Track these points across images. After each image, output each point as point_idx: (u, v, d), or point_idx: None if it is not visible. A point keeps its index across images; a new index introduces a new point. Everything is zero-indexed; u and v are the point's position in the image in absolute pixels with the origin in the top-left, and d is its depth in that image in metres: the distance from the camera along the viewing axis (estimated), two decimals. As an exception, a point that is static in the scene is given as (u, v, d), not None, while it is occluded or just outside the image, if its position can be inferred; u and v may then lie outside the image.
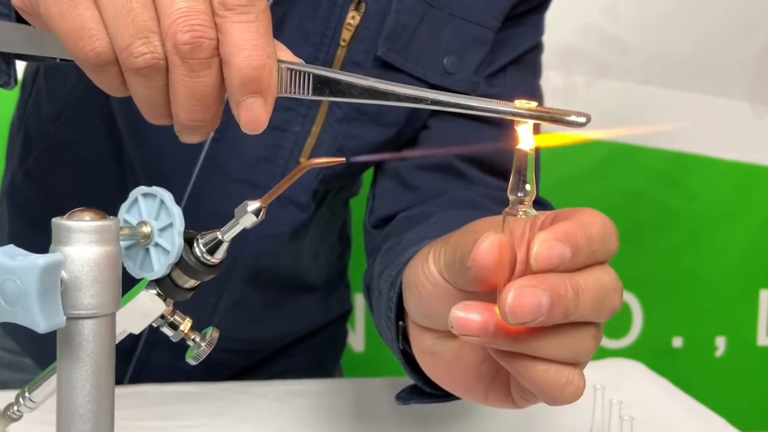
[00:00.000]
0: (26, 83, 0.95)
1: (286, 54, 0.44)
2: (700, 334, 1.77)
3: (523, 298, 0.38)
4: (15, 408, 0.53)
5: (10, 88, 0.57)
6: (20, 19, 0.48)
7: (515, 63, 0.83)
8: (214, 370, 0.88)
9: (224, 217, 0.76)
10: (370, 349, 1.71)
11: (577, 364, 0.42)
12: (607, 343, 1.76)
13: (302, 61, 0.45)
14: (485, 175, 0.79)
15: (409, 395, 0.59)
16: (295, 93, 0.45)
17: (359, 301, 1.64)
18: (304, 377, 0.91)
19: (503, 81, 0.82)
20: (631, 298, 1.76)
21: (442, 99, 0.43)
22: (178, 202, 0.78)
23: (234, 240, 0.47)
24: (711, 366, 1.77)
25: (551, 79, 1.66)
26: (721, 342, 1.78)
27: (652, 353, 1.72)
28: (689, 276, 1.76)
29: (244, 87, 0.42)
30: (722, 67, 1.72)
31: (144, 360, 0.88)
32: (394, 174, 0.81)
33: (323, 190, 0.84)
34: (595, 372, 0.90)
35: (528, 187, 0.41)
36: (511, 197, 0.41)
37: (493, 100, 0.42)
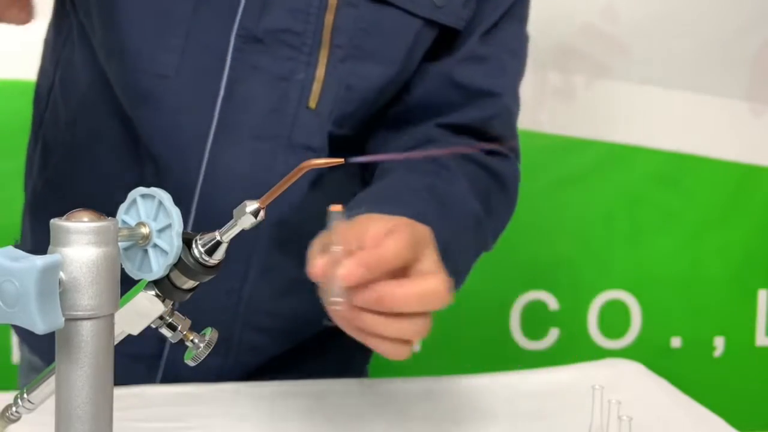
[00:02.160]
0: (40, 97, 0.95)
1: None
2: (699, 334, 1.77)
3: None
4: (13, 409, 0.53)
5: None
6: None
7: (507, 15, 0.88)
8: (245, 360, 0.87)
9: (244, 178, 0.80)
10: (427, 348, 1.71)
11: (407, 342, 0.60)
12: (605, 343, 1.76)
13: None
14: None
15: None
16: None
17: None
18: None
19: (496, 37, 0.87)
20: (629, 299, 1.76)
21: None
22: (197, 167, 0.81)
23: None
24: (709, 366, 1.77)
25: (550, 79, 1.67)
26: (719, 342, 1.78)
27: (650, 353, 1.72)
28: (688, 276, 1.76)
29: None
30: (721, 67, 1.72)
31: (172, 361, 0.86)
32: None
33: (337, 134, 0.84)
34: (593, 372, 0.91)
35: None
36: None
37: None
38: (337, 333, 0.94)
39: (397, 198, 0.74)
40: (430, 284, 0.60)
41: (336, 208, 0.56)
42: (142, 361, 0.85)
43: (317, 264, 0.58)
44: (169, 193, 0.75)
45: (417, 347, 1.70)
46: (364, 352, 1.02)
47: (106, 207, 0.46)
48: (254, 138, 0.80)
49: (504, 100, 0.89)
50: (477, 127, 0.87)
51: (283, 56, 0.79)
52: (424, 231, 0.64)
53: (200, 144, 0.80)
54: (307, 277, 0.91)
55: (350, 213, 0.70)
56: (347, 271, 0.56)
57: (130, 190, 0.48)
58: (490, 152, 0.89)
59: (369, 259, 0.57)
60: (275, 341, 0.91)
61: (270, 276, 0.86)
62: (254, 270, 0.85)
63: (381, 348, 0.60)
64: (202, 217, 0.81)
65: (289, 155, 0.81)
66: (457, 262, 0.74)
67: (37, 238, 0.95)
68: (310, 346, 0.93)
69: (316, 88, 0.80)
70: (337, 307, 0.57)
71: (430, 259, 0.62)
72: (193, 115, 0.79)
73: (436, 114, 0.87)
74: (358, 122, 0.86)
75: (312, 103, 0.80)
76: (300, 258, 0.89)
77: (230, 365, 0.86)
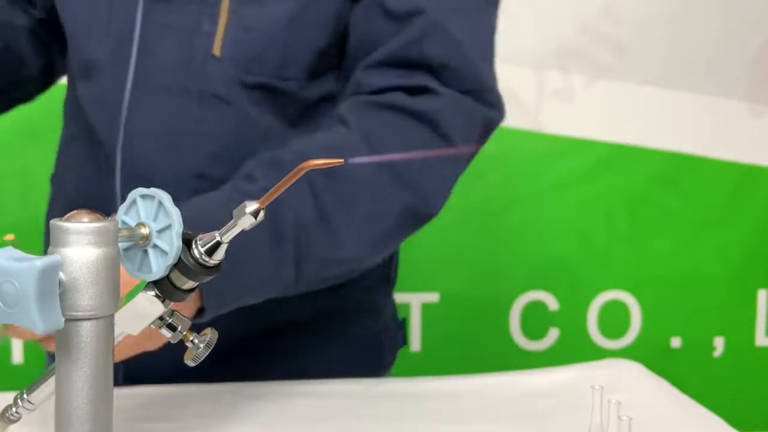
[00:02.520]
0: None
1: None
2: (699, 335, 1.77)
3: None
4: (14, 409, 0.53)
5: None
6: None
7: None
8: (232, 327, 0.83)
9: (160, 133, 0.81)
10: (427, 348, 1.71)
11: None
12: (605, 343, 1.76)
13: None
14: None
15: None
16: None
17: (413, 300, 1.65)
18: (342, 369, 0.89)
19: None
20: (629, 299, 1.76)
21: None
22: (117, 129, 0.83)
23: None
24: (709, 366, 1.77)
25: (550, 79, 1.67)
26: (719, 342, 1.78)
27: (650, 353, 1.72)
28: (687, 276, 1.76)
29: None
30: (720, 68, 1.72)
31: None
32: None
33: (257, 83, 0.82)
34: (593, 372, 0.90)
35: None
36: None
37: None
38: (309, 321, 0.92)
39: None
40: None
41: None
42: None
43: None
44: (101, 160, 0.79)
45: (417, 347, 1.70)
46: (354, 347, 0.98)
47: (78, 201, 0.46)
48: (166, 93, 0.82)
49: (431, 17, 0.79)
50: (405, 57, 0.80)
51: (190, 11, 0.82)
52: None
53: (118, 107, 0.83)
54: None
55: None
56: None
57: (93, 180, 0.49)
58: (416, 89, 0.80)
59: None
60: (240, 317, 0.84)
61: None
62: None
63: None
64: (129, 177, 0.83)
65: (200, 106, 0.82)
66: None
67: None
68: (284, 330, 0.90)
69: (219, 35, 0.81)
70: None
71: None
72: (113, 80, 0.83)
73: (364, 53, 0.82)
74: (281, 67, 0.83)
75: (216, 51, 0.81)
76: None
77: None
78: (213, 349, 0.87)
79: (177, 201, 0.45)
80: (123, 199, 0.49)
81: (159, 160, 0.82)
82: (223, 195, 0.74)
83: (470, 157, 0.82)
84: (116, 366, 0.84)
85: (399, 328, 1.01)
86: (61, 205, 0.94)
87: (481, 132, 0.82)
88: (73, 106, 0.92)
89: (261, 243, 0.72)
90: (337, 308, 0.93)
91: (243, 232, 0.46)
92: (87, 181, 0.89)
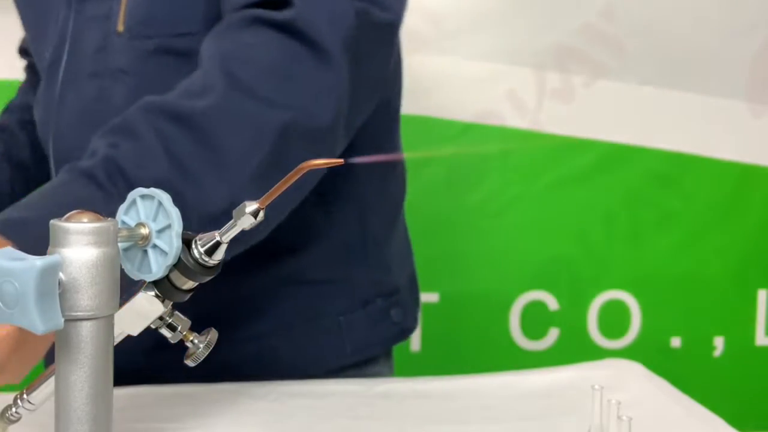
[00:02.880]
0: None
1: None
2: (699, 334, 1.77)
3: None
4: (14, 410, 0.53)
5: None
6: None
7: None
8: (178, 306, 0.79)
9: (82, 114, 0.86)
10: (427, 348, 1.71)
11: None
12: (605, 343, 1.76)
13: None
14: None
15: None
16: None
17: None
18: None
19: None
20: (629, 299, 1.76)
21: None
22: (54, 118, 0.87)
23: None
24: (709, 366, 1.77)
25: (549, 79, 1.67)
26: (719, 342, 1.78)
27: (650, 353, 1.72)
28: (687, 276, 1.76)
29: None
30: (720, 67, 1.72)
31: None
32: None
33: (153, 46, 0.82)
34: (593, 372, 0.90)
35: None
36: None
37: None
38: (280, 289, 0.85)
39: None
40: None
41: None
42: None
43: None
44: (46, 149, 0.80)
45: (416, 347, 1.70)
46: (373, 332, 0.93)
47: None
48: (89, 78, 0.86)
49: None
50: None
51: None
52: None
53: (53, 101, 0.88)
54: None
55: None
56: None
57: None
58: (278, 4, 0.72)
59: None
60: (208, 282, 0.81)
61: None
62: None
63: None
64: (59, 163, 0.87)
65: (111, 83, 0.85)
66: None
67: None
68: (253, 301, 0.85)
69: (121, 11, 0.84)
70: None
71: None
72: (51, 79, 0.89)
73: None
74: (175, 24, 0.80)
75: (120, 27, 0.84)
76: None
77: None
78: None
79: None
80: None
81: (82, 142, 0.75)
82: (62, 177, 0.68)
83: (350, 60, 0.73)
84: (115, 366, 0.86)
85: (393, 306, 0.94)
86: None
87: (362, 32, 0.73)
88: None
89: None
90: (294, 282, 0.88)
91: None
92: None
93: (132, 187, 0.51)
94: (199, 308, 0.66)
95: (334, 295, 0.90)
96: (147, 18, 0.83)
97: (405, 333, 0.96)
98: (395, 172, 0.97)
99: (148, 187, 0.58)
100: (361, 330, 0.92)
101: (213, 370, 0.70)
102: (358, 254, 0.91)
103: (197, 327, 0.54)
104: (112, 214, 0.46)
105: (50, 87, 0.90)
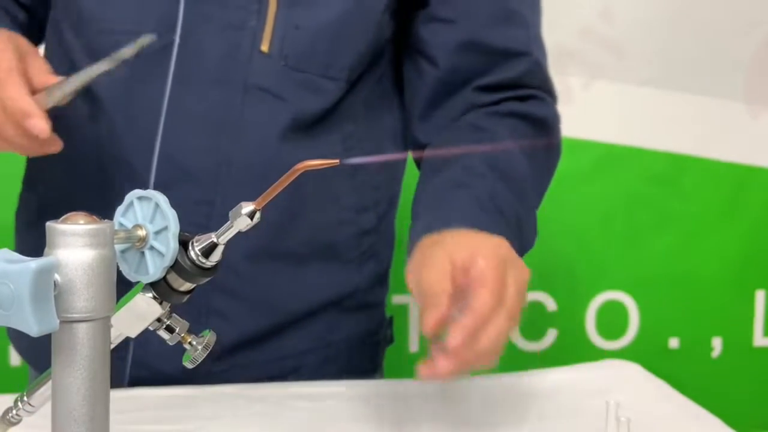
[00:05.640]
0: None
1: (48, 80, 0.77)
2: (697, 335, 1.77)
3: (439, 370, 0.66)
4: (14, 412, 0.53)
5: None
6: None
7: None
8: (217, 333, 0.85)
9: (204, 120, 0.84)
10: (426, 349, 1.70)
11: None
12: (603, 344, 1.76)
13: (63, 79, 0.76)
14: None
15: None
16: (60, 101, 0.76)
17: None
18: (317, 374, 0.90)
19: None
20: (627, 299, 1.76)
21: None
22: (157, 116, 0.84)
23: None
24: (707, 367, 1.77)
25: (547, 80, 1.67)
26: (717, 343, 1.78)
27: (648, 354, 1.72)
28: (685, 277, 1.76)
29: (22, 120, 0.74)
30: (718, 69, 1.72)
31: (140, 355, 0.87)
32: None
33: (304, 79, 0.85)
34: (591, 373, 0.90)
35: None
36: None
37: None
38: (317, 315, 0.93)
39: (460, 201, 0.79)
40: (502, 323, 0.69)
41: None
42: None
43: (429, 323, 0.67)
44: (126, 146, 0.83)
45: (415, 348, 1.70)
46: (354, 345, 0.98)
47: (75, 204, 0.46)
48: (211, 82, 0.84)
49: (533, 57, 0.91)
50: (512, 84, 0.90)
51: (234, 5, 0.83)
52: (502, 248, 0.72)
53: (158, 97, 0.84)
54: (282, 249, 0.89)
55: (414, 223, 0.78)
56: (454, 341, 0.66)
57: (93, 198, 0.49)
58: (525, 96, 0.91)
59: (471, 327, 0.66)
60: (248, 313, 0.89)
61: (239, 238, 0.83)
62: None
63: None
64: (166, 167, 0.84)
65: (246, 97, 0.84)
66: (529, 233, 0.83)
67: (21, 238, 0.96)
68: (287, 327, 0.91)
69: (267, 32, 0.83)
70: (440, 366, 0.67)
71: (512, 287, 0.71)
72: (151, 68, 0.84)
73: (468, 80, 0.89)
74: (327, 66, 0.86)
75: (264, 47, 0.83)
76: (271, 225, 0.84)
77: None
78: (218, 344, 0.87)
79: (220, 188, 0.45)
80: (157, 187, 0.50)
81: (199, 150, 0.84)
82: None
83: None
84: (121, 368, 0.86)
85: (388, 326, 1.03)
86: (44, 205, 0.93)
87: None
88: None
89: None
90: (335, 305, 0.94)
91: None
92: (83, 178, 0.88)
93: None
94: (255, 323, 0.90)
95: (364, 317, 1.00)
96: (305, 52, 0.85)
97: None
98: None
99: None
100: (382, 349, 1.04)
101: None
102: (385, 278, 1.02)
103: None
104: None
105: (150, 76, 0.84)
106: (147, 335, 0.82)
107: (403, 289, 1.70)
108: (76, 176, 0.88)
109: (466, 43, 0.88)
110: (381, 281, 0.99)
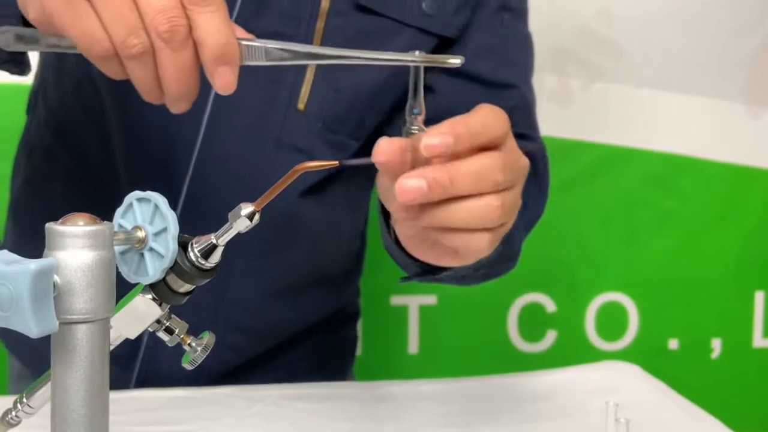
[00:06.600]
0: (30, 105, 0.98)
1: (241, 32, 0.58)
2: (696, 336, 1.77)
3: (406, 184, 0.51)
4: (13, 413, 0.53)
5: (26, 74, 0.72)
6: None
7: (505, 9, 0.88)
8: (226, 359, 0.89)
9: (234, 174, 0.82)
10: (425, 351, 1.71)
11: (489, 230, 0.55)
12: (602, 345, 1.76)
13: (254, 37, 0.59)
14: None
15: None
16: (252, 61, 0.59)
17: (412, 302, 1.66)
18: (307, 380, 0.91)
19: (501, 32, 0.88)
20: (626, 300, 1.76)
21: (347, 54, 0.57)
22: (186, 163, 0.83)
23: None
24: (707, 368, 1.77)
25: (546, 81, 1.67)
26: (716, 344, 1.78)
27: (647, 355, 1.72)
28: (685, 278, 1.76)
29: (215, 60, 0.56)
30: (717, 69, 1.72)
31: (147, 362, 0.88)
32: None
33: (338, 140, 0.85)
34: (591, 374, 0.91)
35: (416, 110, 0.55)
36: (408, 118, 0.55)
37: (385, 53, 0.56)
38: (312, 332, 0.96)
39: None
40: (486, 159, 0.54)
41: None
42: (115, 362, 0.86)
43: (386, 147, 0.52)
44: (154, 185, 0.78)
45: (414, 350, 1.70)
46: (340, 353, 1.04)
47: (82, 208, 0.46)
48: (244, 136, 0.83)
49: (521, 91, 0.90)
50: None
51: None
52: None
53: (191, 140, 0.83)
54: (291, 283, 0.92)
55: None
56: (434, 140, 0.51)
57: (101, 201, 0.50)
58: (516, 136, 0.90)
59: (458, 128, 0.52)
60: (257, 342, 0.92)
61: (254, 278, 0.87)
62: (238, 271, 0.86)
63: (456, 242, 0.55)
64: (190, 212, 0.83)
65: (278, 154, 0.83)
66: (516, 252, 0.83)
67: (16, 237, 0.96)
68: (286, 345, 0.95)
69: (305, 90, 0.82)
70: (405, 197, 0.51)
71: (513, 152, 0.57)
72: (185, 115, 0.80)
73: (456, 113, 0.87)
74: (357, 127, 0.86)
75: (301, 105, 0.82)
76: (286, 264, 0.90)
77: (209, 365, 0.86)
78: (224, 366, 0.91)
79: (237, 235, 0.45)
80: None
81: (225, 198, 0.82)
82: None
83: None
84: (129, 370, 0.87)
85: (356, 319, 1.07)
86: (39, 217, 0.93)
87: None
88: (76, 97, 0.89)
89: None
90: (328, 321, 0.98)
91: None
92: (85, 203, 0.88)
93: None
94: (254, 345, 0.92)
95: (351, 323, 1.06)
96: (341, 115, 0.84)
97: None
98: None
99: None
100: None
101: None
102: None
103: None
104: None
105: (185, 118, 0.81)
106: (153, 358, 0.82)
107: (403, 289, 1.71)
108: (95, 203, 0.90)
109: (453, 74, 0.86)
110: (359, 291, 1.05)
